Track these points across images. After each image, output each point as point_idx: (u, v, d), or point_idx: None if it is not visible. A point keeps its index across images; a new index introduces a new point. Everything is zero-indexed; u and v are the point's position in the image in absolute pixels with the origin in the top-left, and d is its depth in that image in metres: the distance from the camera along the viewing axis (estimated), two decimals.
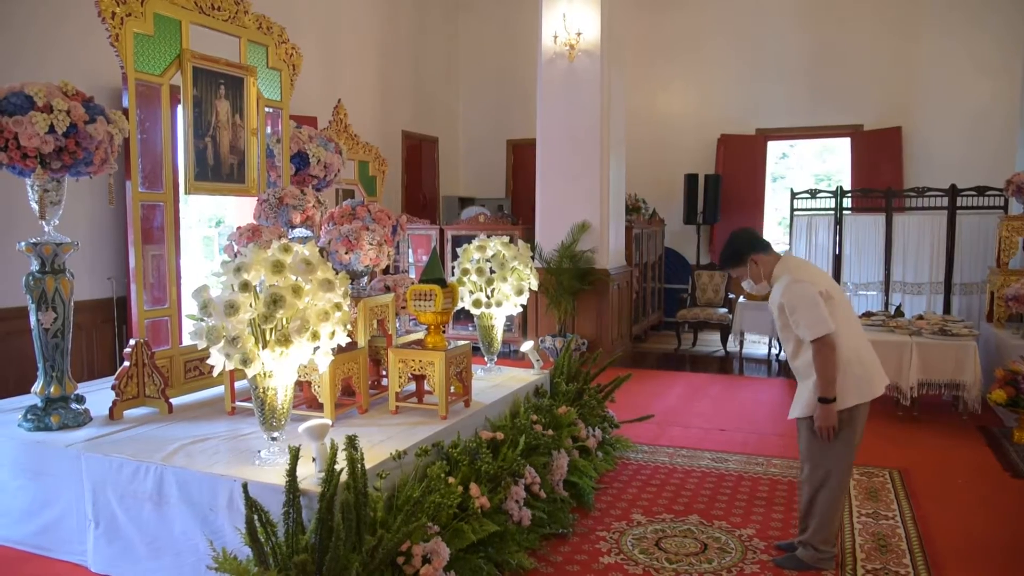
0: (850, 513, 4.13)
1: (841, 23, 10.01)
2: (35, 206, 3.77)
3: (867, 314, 6.73)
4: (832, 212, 7.73)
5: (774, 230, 10.89)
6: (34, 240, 3.79)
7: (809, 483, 3.48)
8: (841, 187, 7.80)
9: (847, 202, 7.85)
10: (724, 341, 9.05)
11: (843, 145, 10.40)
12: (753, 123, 10.54)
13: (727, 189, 10.34)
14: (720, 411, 6.42)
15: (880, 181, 8.96)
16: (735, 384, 7.58)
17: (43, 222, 3.82)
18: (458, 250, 5.12)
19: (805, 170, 11.09)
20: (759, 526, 3.97)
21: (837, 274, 7.64)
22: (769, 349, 8.73)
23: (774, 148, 10.84)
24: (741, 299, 8.53)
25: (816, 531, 3.46)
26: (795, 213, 7.97)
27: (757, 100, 10.48)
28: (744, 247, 3.51)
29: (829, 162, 10.97)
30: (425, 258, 8.58)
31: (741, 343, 8.60)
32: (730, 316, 8.76)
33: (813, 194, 7.98)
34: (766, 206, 10.67)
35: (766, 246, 3.52)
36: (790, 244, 8.00)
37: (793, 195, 8.01)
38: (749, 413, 6.36)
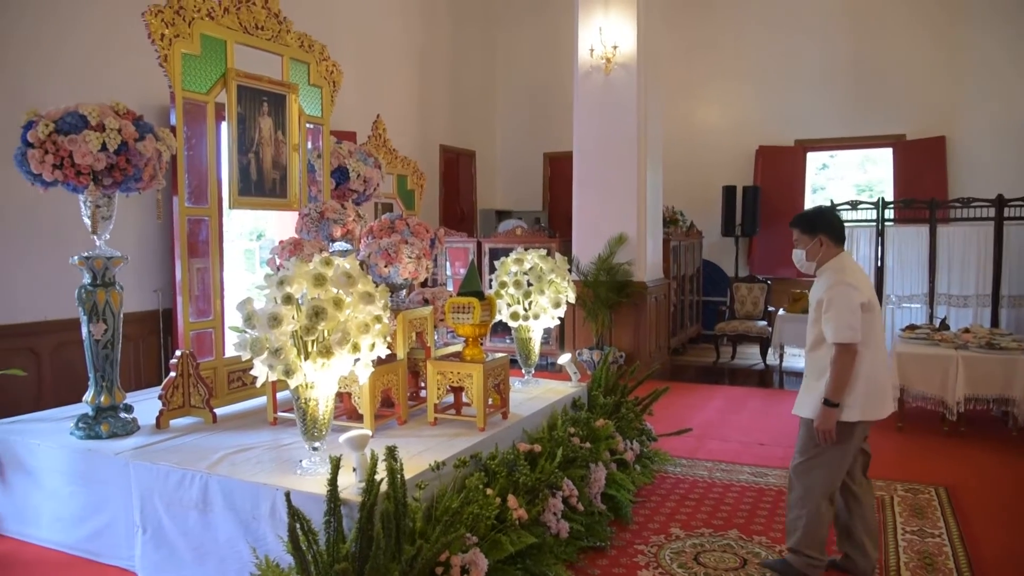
0: (894, 530, 4.06)
1: (882, 30, 9.90)
2: (87, 221, 3.90)
3: (911, 327, 6.60)
4: (874, 224, 7.61)
5: None
6: (86, 254, 3.92)
7: (799, 481, 3.44)
8: (883, 198, 7.66)
9: (889, 213, 7.72)
10: (764, 354, 8.95)
11: (885, 155, 10.25)
12: (792, 134, 10.45)
13: (766, 200, 10.25)
14: (759, 425, 6.35)
15: (924, 191, 8.79)
16: (775, 398, 7.49)
17: (95, 236, 3.95)
18: (495, 263, 5.15)
19: (846, 181, 10.94)
20: None
21: (880, 286, 7.51)
22: None
23: (814, 159, 10.73)
24: (781, 311, 8.44)
25: (802, 539, 3.42)
26: None
27: (796, 111, 10.39)
28: (823, 223, 3.46)
29: (871, 172, 10.82)
30: (462, 271, 8.65)
31: (781, 356, 8.51)
32: (770, 329, 8.66)
33: (854, 205, 7.85)
34: None
35: (839, 237, 3.47)
36: None
37: (833, 206, 7.90)
38: (789, 427, 6.26)
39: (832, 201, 7.93)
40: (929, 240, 7.34)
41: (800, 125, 10.40)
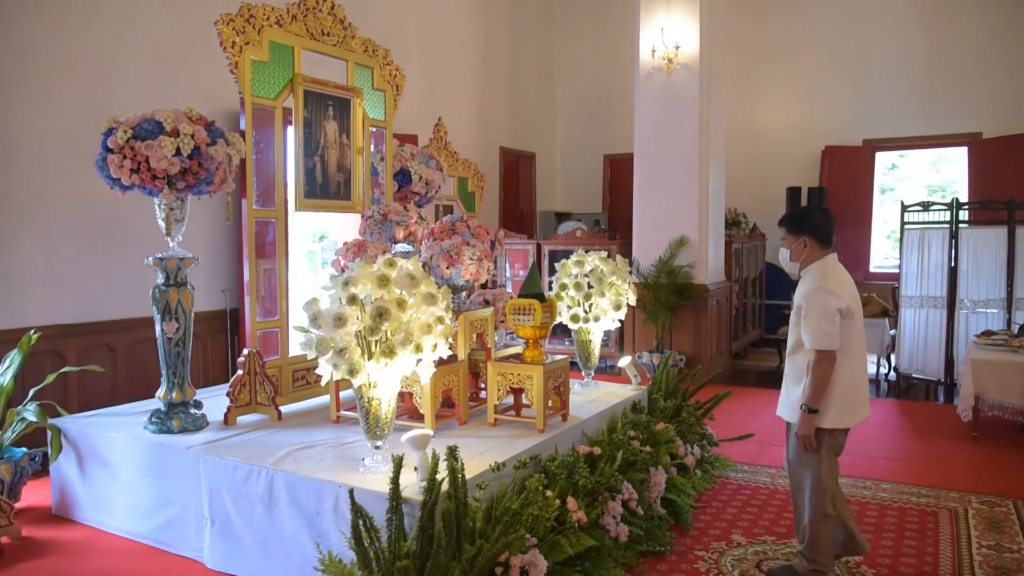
0: (968, 544, 3.91)
1: (955, 23, 9.56)
2: (162, 224, 4.04)
3: (987, 333, 6.35)
4: (947, 225, 7.35)
5: (883, 244, 10.44)
6: (160, 255, 4.06)
7: (796, 491, 3.44)
8: (957, 199, 7.40)
9: (963, 215, 7.44)
10: None
11: (959, 155, 9.89)
12: (860, 133, 10.18)
13: (832, 202, 9.95)
14: None
15: (1002, 192, 8.44)
16: None
17: (168, 238, 4.09)
18: (556, 265, 5.15)
19: (916, 181, 10.59)
20: (867, 553, 3.80)
21: (953, 290, 7.25)
22: (877, 368, 8.36)
23: (882, 159, 10.42)
24: None
25: (809, 545, 3.37)
26: (906, 227, 7.61)
27: (864, 109, 10.12)
28: (809, 224, 3.40)
29: (943, 172, 10.45)
30: (522, 273, 8.67)
31: None
32: None
33: (926, 206, 7.60)
34: (874, 219, 10.25)
35: (825, 240, 3.39)
36: (900, 259, 7.65)
37: (904, 208, 7.66)
38: (855, 435, 6.05)
39: (902, 203, 7.69)
40: (1008, 242, 7.06)
41: (869, 124, 10.11)
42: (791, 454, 3.45)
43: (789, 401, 3.43)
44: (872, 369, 8.42)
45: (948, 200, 7.46)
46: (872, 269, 10.06)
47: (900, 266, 7.69)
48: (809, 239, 3.39)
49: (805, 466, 3.37)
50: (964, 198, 8.87)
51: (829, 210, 3.54)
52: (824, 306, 3.22)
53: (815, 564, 3.37)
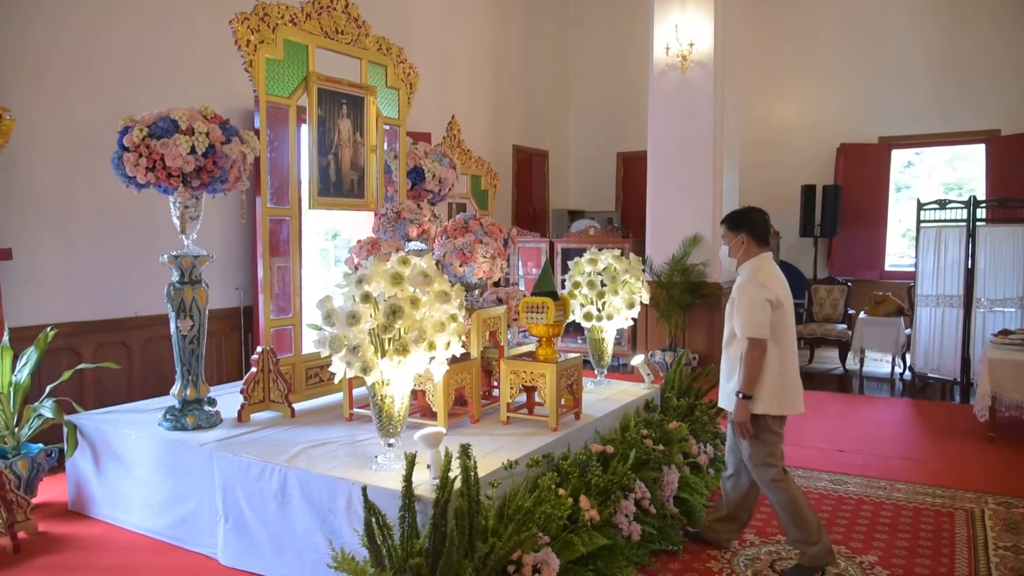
0: (985, 545, 3.88)
1: (973, 19, 9.45)
2: (177, 222, 4.06)
3: (1004, 332, 6.29)
4: (964, 223, 7.28)
5: (898, 242, 10.36)
6: (175, 253, 4.08)
7: (761, 485, 3.58)
8: (975, 197, 7.33)
9: (981, 213, 7.37)
10: (843, 358, 8.67)
11: (976, 152, 9.79)
12: (875, 131, 10.10)
13: (847, 200, 9.92)
14: (839, 431, 6.15)
15: (1020, 189, 8.37)
16: (855, 403, 7.24)
17: (183, 236, 4.11)
18: (569, 263, 5.14)
19: (932, 179, 10.49)
20: (882, 553, 3.78)
21: (969, 289, 7.18)
22: (892, 367, 8.30)
23: (898, 156, 10.33)
24: (862, 314, 8.16)
25: (799, 532, 3.46)
26: (922, 225, 7.55)
27: (880, 106, 10.03)
28: (747, 223, 3.61)
29: (960, 170, 10.35)
30: (535, 271, 8.67)
31: (861, 361, 8.22)
32: (849, 332, 8.39)
33: (942, 204, 7.54)
34: (889, 217, 10.17)
35: (762, 239, 3.60)
36: (916, 257, 7.59)
37: (920, 206, 7.60)
38: (870, 434, 6.06)
39: (919, 200, 7.63)
40: None
41: (884, 121, 10.03)
42: (743, 446, 3.58)
43: (726, 391, 3.61)
44: (887, 368, 8.37)
45: (965, 198, 7.39)
46: (887, 268, 9.98)
47: (916, 265, 7.63)
48: (746, 237, 3.60)
49: (753, 457, 3.51)
50: (981, 196, 8.79)
51: (765, 211, 3.71)
52: (753, 297, 3.42)
53: (813, 547, 3.42)
